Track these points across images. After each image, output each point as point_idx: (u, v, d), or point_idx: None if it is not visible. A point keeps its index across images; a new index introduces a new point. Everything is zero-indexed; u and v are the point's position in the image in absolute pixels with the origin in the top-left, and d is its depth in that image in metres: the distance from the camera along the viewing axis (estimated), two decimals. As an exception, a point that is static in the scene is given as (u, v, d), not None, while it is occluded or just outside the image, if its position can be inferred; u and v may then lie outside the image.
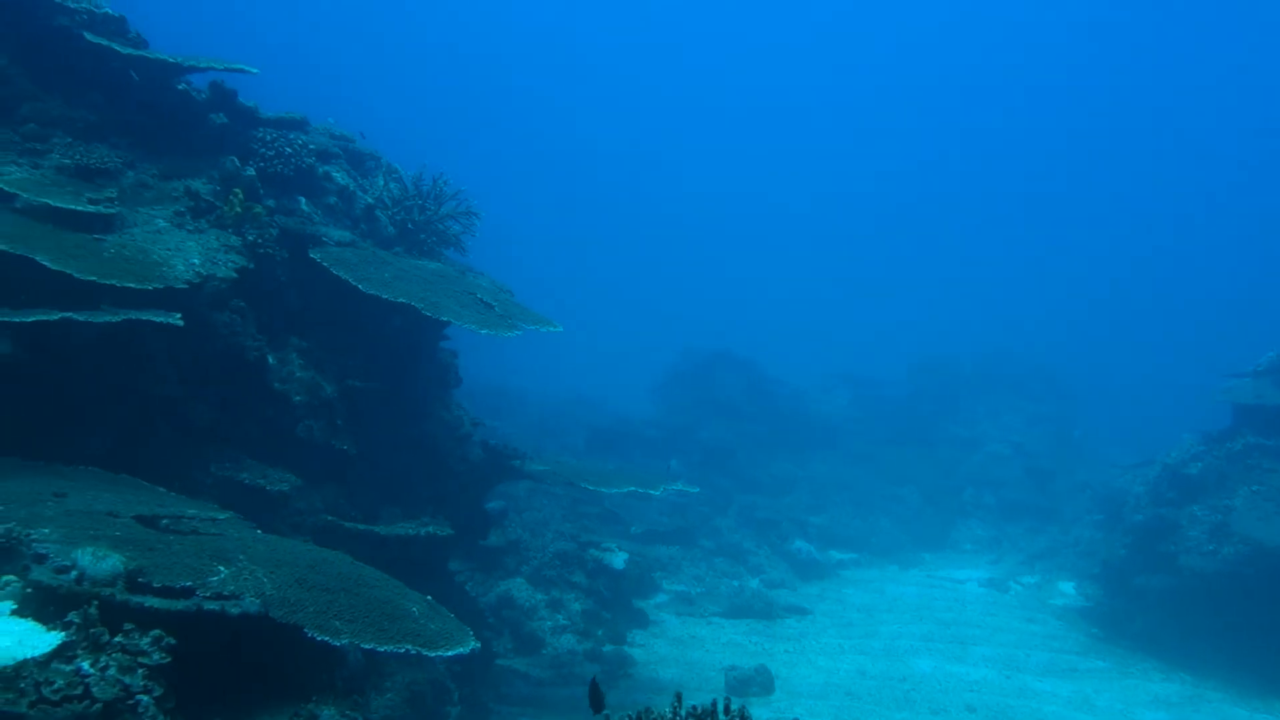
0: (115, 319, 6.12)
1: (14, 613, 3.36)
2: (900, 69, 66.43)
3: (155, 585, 4.21)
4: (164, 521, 5.29)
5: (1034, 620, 13.69)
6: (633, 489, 9.66)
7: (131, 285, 6.38)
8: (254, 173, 7.98)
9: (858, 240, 63.55)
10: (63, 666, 3.51)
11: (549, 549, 11.20)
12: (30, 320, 5.75)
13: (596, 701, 3.73)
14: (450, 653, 4.56)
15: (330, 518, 7.33)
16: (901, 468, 21.04)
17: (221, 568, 4.56)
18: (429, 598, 5.29)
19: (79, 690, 3.44)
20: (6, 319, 5.75)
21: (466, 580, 9.80)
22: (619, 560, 11.34)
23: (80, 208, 6.85)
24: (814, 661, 11.28)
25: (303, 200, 8.62)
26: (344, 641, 4.37)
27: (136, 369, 6.84)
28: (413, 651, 4.48)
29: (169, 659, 3.77)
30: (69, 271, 6.15)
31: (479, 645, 4.96)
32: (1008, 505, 19.61)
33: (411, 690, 6.59)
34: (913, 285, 55.67)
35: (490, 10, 67.97)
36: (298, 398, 7.92)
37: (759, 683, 10.03)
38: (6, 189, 6.64)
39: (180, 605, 4.08)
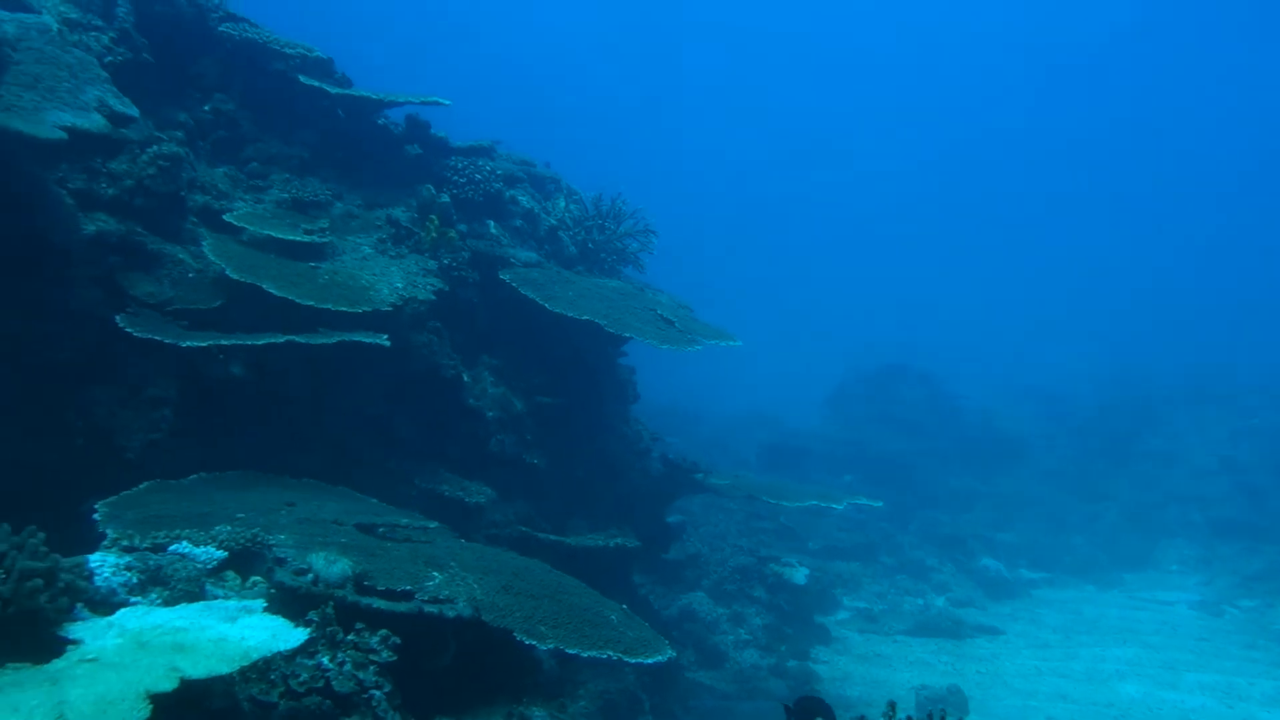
0: (330, 341, 6.57)
1: (265, 610, 3.66)
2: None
3: (379, 588, 4.50)
4: (380, 530, 5.64)
5: (1255, 646, 12.75)
6: (814, 503, 9.62)
7: (344, 309, 6.84)
8: (448, 199, 8.41)
9: (1030, 242, 61.15)
10: (306, 661, 3.81)
11: (728, 563, 11.25)
12: (261, 343, 6.24)
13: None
14: (650, 660, 4.68)
15: (525, 529, 7.61)
16: (1095, 484, 20.03)
17: (435, 574, 4.83)
18: (624, 606, 5.44)
19: (320, 684, 3.73)
20: (240, 342, 6.26)
21: (649, 593, 9.95)
22: (800, 575, 11.28)
23: (297, 238, 7.40)
24: (1009, 684, 10.88)
25: (491, 224, 9.02)
26: (550, 646, 4.54)
27: (347, 388, 7.32)
28: (613, 658, 4.62)
29: (395, 657, 4.02)
30: (291, 297, 6.66)
31: (675, 654, 5.06)
32: (1218, 523, 18.30)
33: (605, 698, 6.77)
34: (1097, 293, 53.06)
35: (623, 19, 68.89)
36: (490, 414, 8.28)
37: (952, 703, 9.75)
38: (235, 223, 7.25)
39: (403, 608, 4.35)
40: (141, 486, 5.78)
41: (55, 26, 6.31)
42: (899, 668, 11.17)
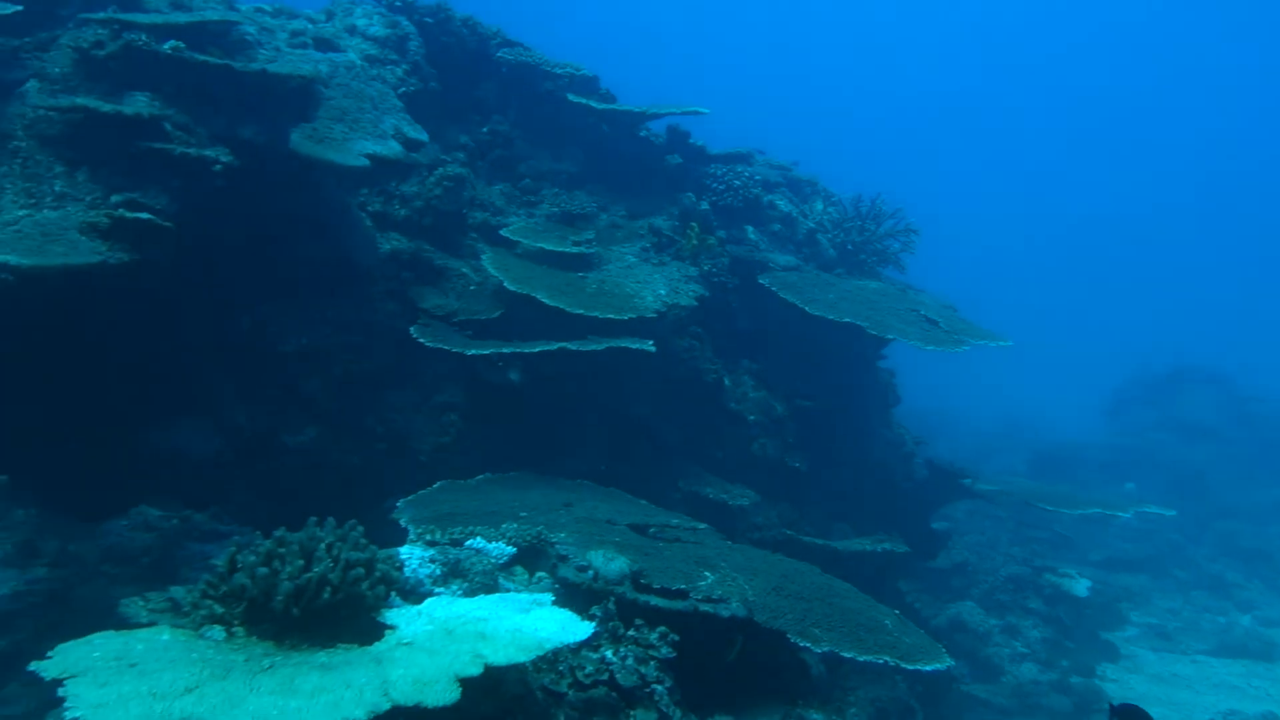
0: (599, 347, 6.83)
1: (553, 604, 3.86)
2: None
3: (655, 586, 4.63)
4: (651, 530, 5.81)
5: None
6: (1096, 510, 9.01)
7: (611, 316, 7.09)
8: (707, 206, 8.55)
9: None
10: (590, 654, 3.98)
11: (999, 572, 10.74)
12: (536, 350, 6.60)
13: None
14: (928, 668, 4.55)
15: (789, 532, 7.60)
16: None
17: (708, 573, 4.92)
18: (897, 612, 5.32)
19: (605, 676, 3.89)
20: (518, 350, 6.64)
21: (915, 600, 9.66)
22: (1081, 587, 10.58)
23: (566, 249, 7.76)
24: (1338, 715, 9.73)
25: (750, 229, 9.08)
26: (824, 649, 4.52)
27: (614, 392, 7.59)
28: (890, 663, 4.53)
29: (674, 654, 4.13)
30: (562, 306, 6.98)
31: (953, 663, 4.90)
32: None
33: (876, 706, 6.62)
34: None
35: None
36: (751, 417, 8.33)
37: (1268, 732, 8.88)
38: (511, 237, 7.70)
39: (680, 605, 4.46)
40: (434, 486, 6.25)
41: (359, 63, 6.95)
42: (1202, 690, 10.23)
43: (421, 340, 6.66)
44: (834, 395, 8.85)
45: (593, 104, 8.37)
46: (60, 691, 2.97)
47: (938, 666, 4.65)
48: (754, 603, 4.74)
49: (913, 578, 10.18)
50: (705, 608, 4.51)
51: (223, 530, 9.21)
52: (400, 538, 4.97)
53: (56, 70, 5.86)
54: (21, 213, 5.41)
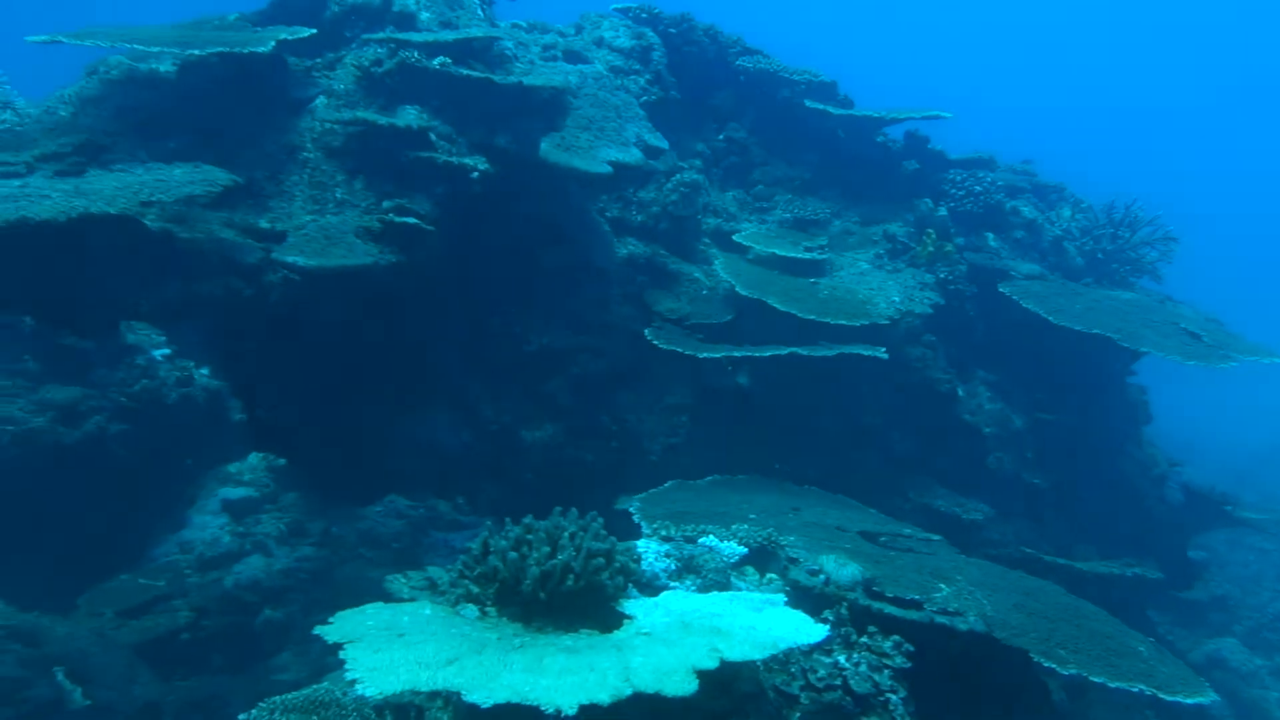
0: (830, 353, 6.79)
1: (785, 604, 3.89)
2: None
3: (888, 595, 4.57)
4: (882, 538, 5.72)
5: None
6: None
7: (843, 322, 7.03)
8: (945, 213, 8.31)
9: None
10: (823, 658, 3.98)
11: (1268, 609, 9.85)
12: (767, 355, 6.64)
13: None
14: (1189, 700, 4.25)
15: (1028, 550, 7.28)
16: None
17: (942, 585, 4.80)
18: (1151, 640, 5.00)
19: (838, 681, 3.87)
20: (749, 354, 6.71)
21: (1166, 633, 9.01)
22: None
23: (798, 255, 7.75)
24: None
25: (990, 236, 8.75)
26: (1071, 671, 4.31)
27: (844, 399, 7.51)
28: (1145, 692, 4.26)
29: (909, 664, 4.06)
30: (793, 312, 6.99)
31: (1216, 699, 4.56)
32: None
33: (1121, 740, 6.26)
34: None
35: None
36: (987, 429, 8.02)
37: None
38: (743, 242, 7.78)
39: (914, 615, 4.38)
40: (666, 485, 6.40)
41: (604, 73, 7.24)
42: None
43: (655, 343, 6.84)
44: (1078, 410, 8.39)
45: (830, 109, 8.33)
46: (341, 654, 3.27)
47: (1200, 700, 4.32)
48: (993, 618, 4.58)
49: (1164, 608, 9.50)
50: (941, 620, 4.40)
51: (463, 521, 9.82)
52: (631, 532, 5.14)
53: (341, 87, 6.43)
54: (308, 218, 5.97)
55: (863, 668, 3.93)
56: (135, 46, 5.90)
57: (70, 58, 6.35)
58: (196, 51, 5.76)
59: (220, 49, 5.84)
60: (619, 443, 7.07)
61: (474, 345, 7.00)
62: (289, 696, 4.04)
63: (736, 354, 6.73)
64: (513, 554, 3.82)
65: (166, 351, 9.92)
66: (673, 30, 8.31)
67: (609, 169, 6.58)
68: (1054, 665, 4.30)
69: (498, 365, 7.05)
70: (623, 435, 7.08)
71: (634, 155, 6.77)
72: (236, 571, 8.27)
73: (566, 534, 4.02)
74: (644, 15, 8.31)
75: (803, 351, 6.74)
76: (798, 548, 4.93)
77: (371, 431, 6.79)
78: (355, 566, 8.64)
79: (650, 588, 4.22)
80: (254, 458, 10.04)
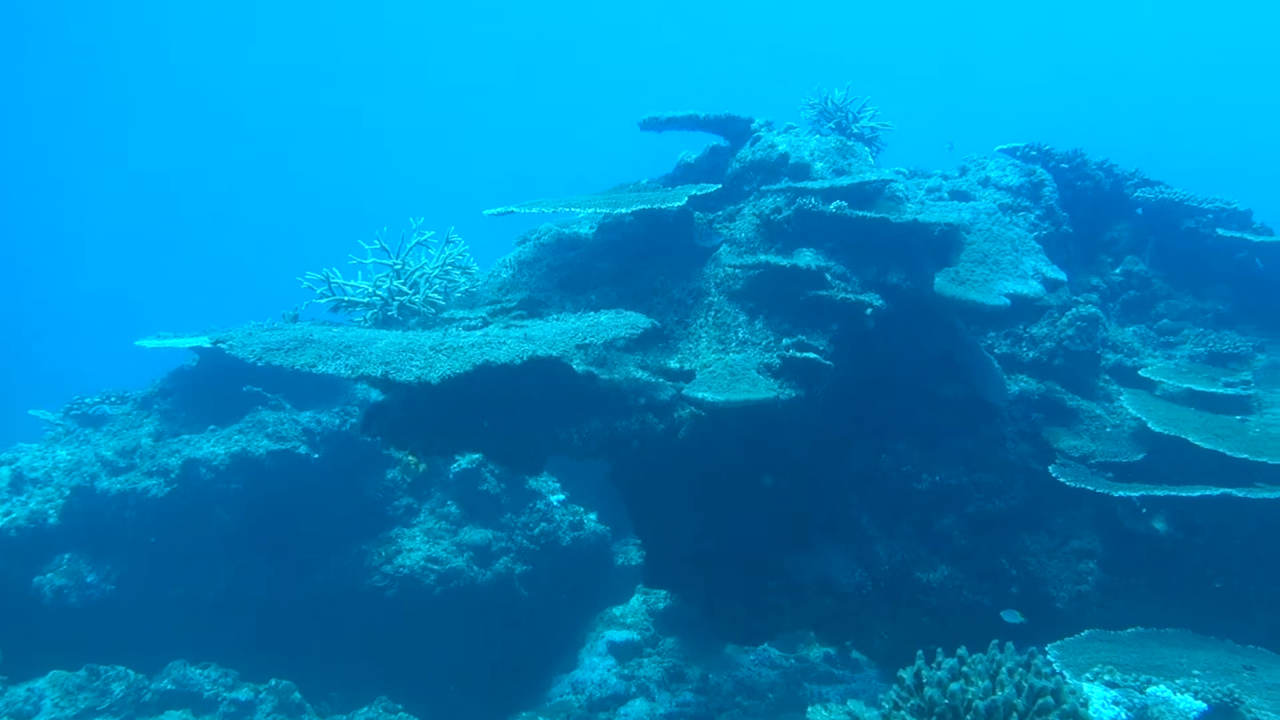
0: (1273, 495, 6.08)
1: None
2: None
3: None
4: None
5: None
6: None
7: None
8: (1397, 344, 7.34)
9: None
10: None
11: None
12: (1195, 495, 6.06)
13: None
14: None
15: None
16: None
17: None
18: None
19: None
20: (1172, 493, 6.16)
21: None
22: None
23: (1218, 390, 7.11)
24: None
25: None
26: None
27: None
28: None
29: None
30: (1220, 450, 6.36)
31: None
32: None
33: None
34: None
35: None
36: None
37: None
38: (1151, 377, 7.27)
39: None
40: (1082, 635, 5.92)
41: (994, 210, 7.22)
42: None
43: (1062, 480, 6.47)
44: None
45: (1247, 237, 7.73)
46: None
47: None
48: None
49: None
50: None
51: (836, 674, 9.61)
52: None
53: (741, 235, 6.87)
54: (713, 356, 6.33)
55: None
56: (573, 211, 6.68)
57: (500, 225, 7.26)
58: (624, 210, 6.40)
59: (641, 206, 6.45)
60: (1019, 588, 6.67)
61: (864, 480, 6.98)
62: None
63: (1157, 493, 6.20)
64: (954, 685, 3.68)
65: (561, 497, 10.75)
66: (1064, 166, 8.16)
67: (1006, 301, 6.46)
68: None
69: (888, 501, 6.96)
70: (1023, 580, 6.68)
71: (1033, 288, 6.60)
72: (623, 714, 8.58)
73: (1005, 668, 3.83)
74: (1033, 153, 8.24)
75: (1238, 493, 6.09)
76: (1264, 709, 4.35)
77: (763, 566, 6.88)
78: (732, 716, 8.65)
79: (1100, 735, 3.89)
80: (636, 600, 10.50)
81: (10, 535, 8.60)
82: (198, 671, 8.60)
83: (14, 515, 8.64)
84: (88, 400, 10.07)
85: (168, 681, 8.43)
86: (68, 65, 56.56)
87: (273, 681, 8.67)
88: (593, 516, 10.62)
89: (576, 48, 67.31)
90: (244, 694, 8.48)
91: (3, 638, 8.39)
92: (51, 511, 8.77)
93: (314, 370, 4.93)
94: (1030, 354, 7.54)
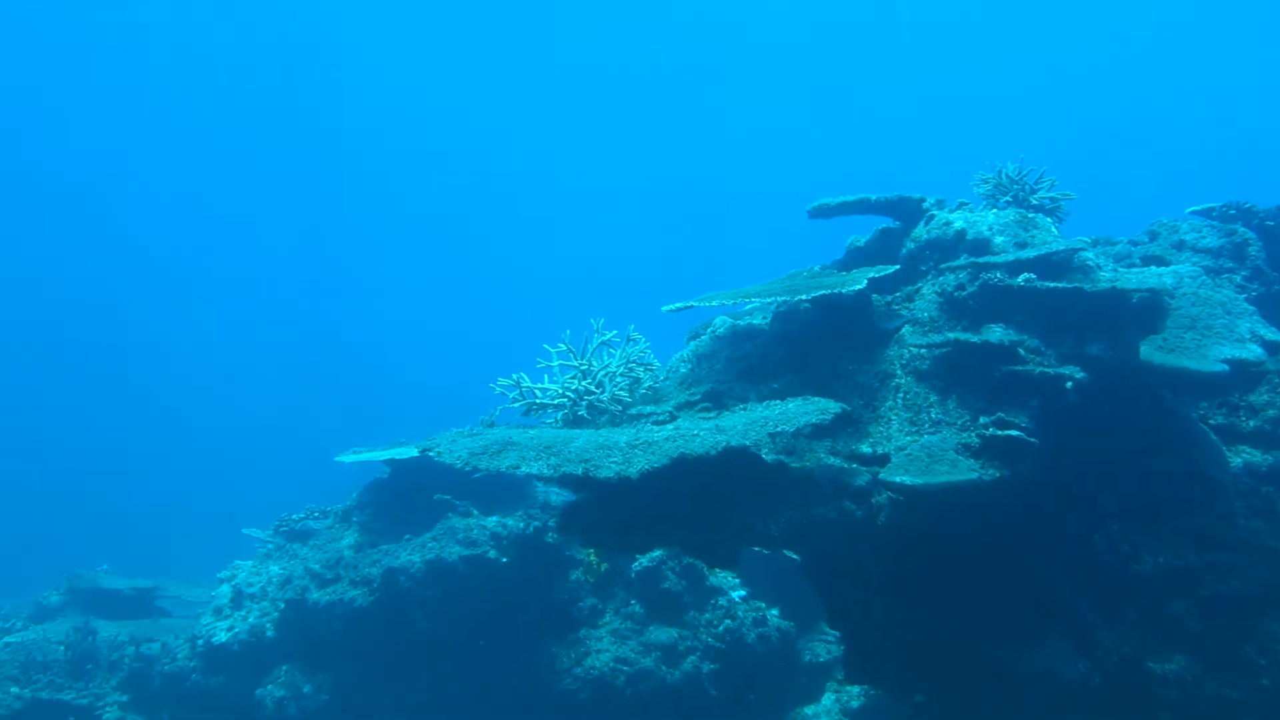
0: None
1: None
2: None
3: None
4: None
5: None
6: None
7: None
8: None
9: None
10: None
11: None
12: None
13: None
14: None
15: None
16: None
17: None
18: None
19: None
20: None
21: None
22: None
23: None
24: None
25: None
26: None
27: None
28: None
29: None
30: None
31: None
32: None
33: None
34: None
35: None
36: None
37: None
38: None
39: None
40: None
41: (1198, 272, 6.84)
42: None
43: (1309, 559, 5.92)
44: None
45: None
46: None
47: None
48: None
49: None
50: None
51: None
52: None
53: (924, 315, 6.72)
54: (906, 439, 6.14)
55: None
56: (748, 301, 6.70)
57: (669, 320, 7.37)
58: (803, 296, 6.38)
59: (821, 292, 6.42)
60: (1270, 680, 6.07)
61: (1078, 564, 6.56)
62: None
63: None
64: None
65: (742, 593, 10.55)
66: (1270, 223, 7.68)
67: (1225, 368, 6.05)
68: None
69: (1104, 585, 6.50)
70: (1275, 671, 6.07)
71: (1252, 351, 6.17)
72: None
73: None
74: (1232, 212, 7.80)
75: None
76: None
77: (975, 656, 6.51)
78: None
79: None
80: (828, 699, 10.11)
81: (234, 649, 9.05)
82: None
83: (236, 630, 9.11)
84: (294, 517, 10.62)
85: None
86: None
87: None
88: (775, 612, 10.36)
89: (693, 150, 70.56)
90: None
91: (231, 749, 8.77)
92: (269, 625, 9.20)
93: (517, 472, 5.03)
94: (1251, 423, 7.01)
